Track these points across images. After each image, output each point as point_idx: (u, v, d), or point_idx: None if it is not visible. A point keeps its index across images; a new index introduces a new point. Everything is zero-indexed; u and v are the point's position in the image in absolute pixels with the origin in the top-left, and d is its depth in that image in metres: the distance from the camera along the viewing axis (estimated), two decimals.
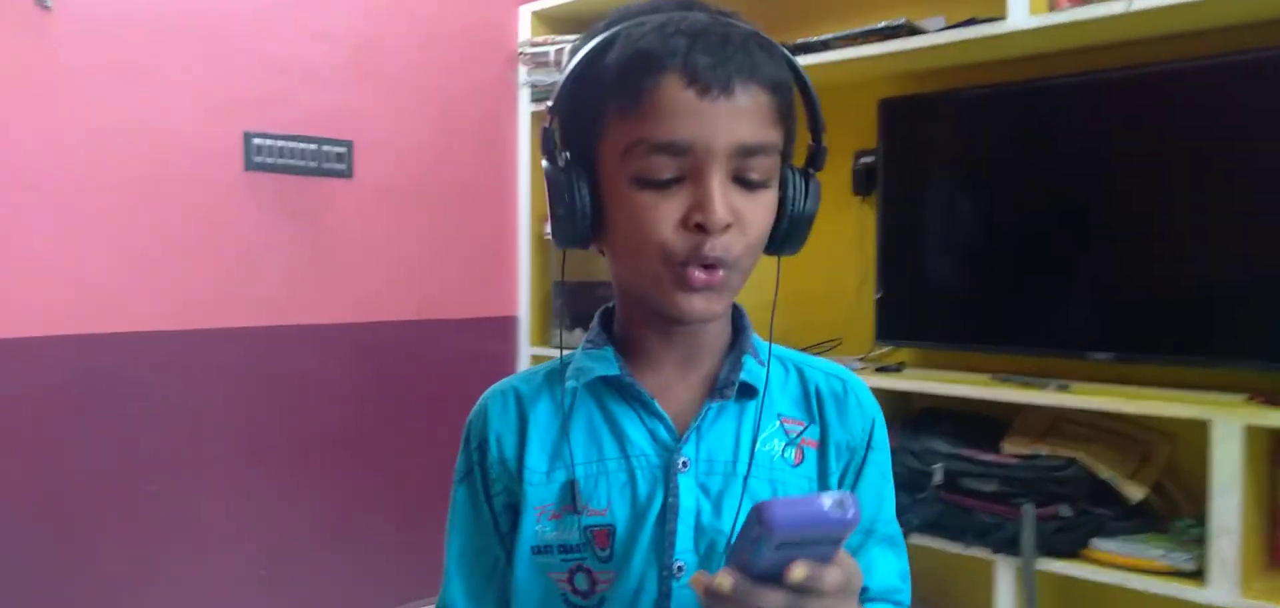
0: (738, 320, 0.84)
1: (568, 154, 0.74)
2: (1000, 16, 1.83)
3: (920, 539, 1.89)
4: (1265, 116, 1.68)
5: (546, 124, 0.75)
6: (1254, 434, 1.57)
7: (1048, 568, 1.75)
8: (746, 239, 0.72)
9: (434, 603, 0.88)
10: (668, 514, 0.76)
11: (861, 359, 2.18)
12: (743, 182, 0.71)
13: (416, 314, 2.51)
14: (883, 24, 2.02)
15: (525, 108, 2.70)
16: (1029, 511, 1.76)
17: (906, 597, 0.84)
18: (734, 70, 0.69)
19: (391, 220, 2.44)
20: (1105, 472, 1.75)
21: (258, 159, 2.18)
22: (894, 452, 2.01)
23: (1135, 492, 1.73)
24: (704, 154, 0.69)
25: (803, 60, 2.12)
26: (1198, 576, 1.62)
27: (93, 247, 1.98)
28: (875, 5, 2.24)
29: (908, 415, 2.08)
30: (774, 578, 0.59)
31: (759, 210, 0.73)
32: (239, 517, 2.21)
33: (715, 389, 0.79)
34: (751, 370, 0.80)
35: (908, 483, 1.94)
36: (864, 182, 2.26)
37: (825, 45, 2.12)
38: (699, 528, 0.76)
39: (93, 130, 1.97)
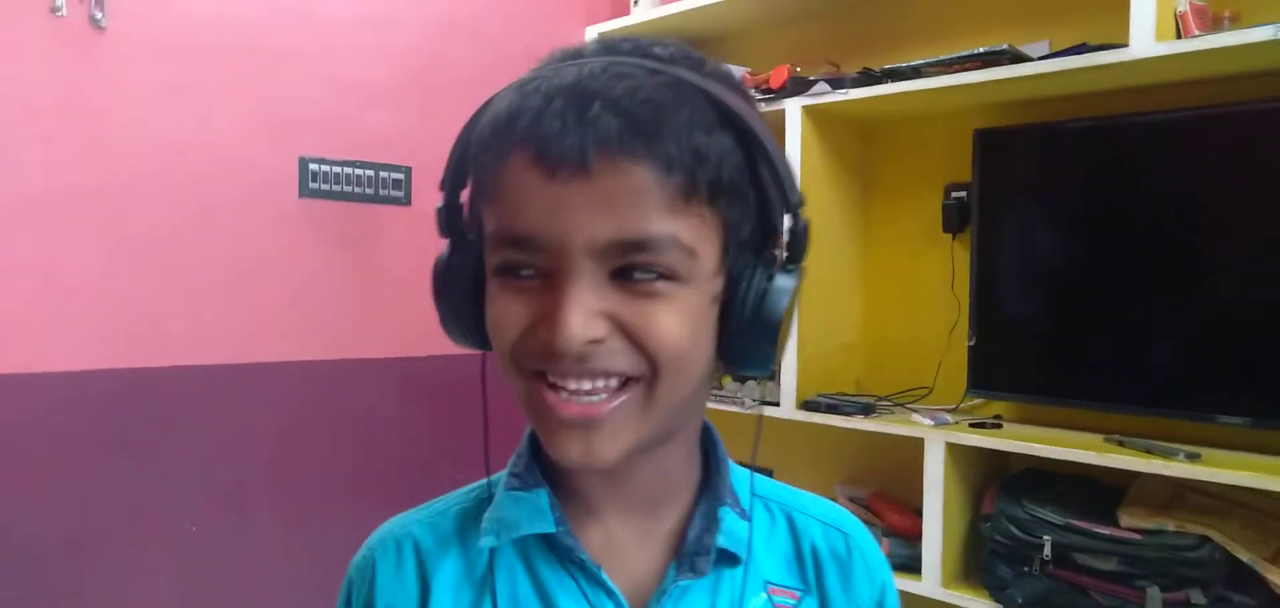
0: (708, 448, 0.66)
1: (453, 239, 0.62)
2: (1121, 43, 1.65)
3: None
4: None
5: (438, 205, 0.62)
6: None
7: None
8: (646, 354, 0.54)
9: None
10: None
11: (952, 411, 2.00)
12: (629, 283, 0.54)
13: (476, 348, 2.38)
14: (983, 50, 1.85)
15: None
16: (1155, 596, 1.57)
17: None
18: (593, 141, 0.51)
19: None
20: (1245, 554, 1.55)
21: (313, 186, 2.08)
22: (993, 517, 1.80)
23: None
24: (557, 248, 0.53)
25: (890, 88, 1.97)
26: None
27: (140, 275, 1.89)
28: (968, 27, 2.08)
29: (1006, 478, 1.89)
30: None
31: (660, 319, 0.54)
32: (289, 558, 2.10)
33: (683, 555, 0.62)
34: (731, 529, 0.62)
35: (1009, 554, 1.76)
36: (956, 218, 2.08)
37: (916, 72, 1.96)
38: None
39: (144, 153, 1.88)
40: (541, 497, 0.62)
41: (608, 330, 0.53)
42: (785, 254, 0.59)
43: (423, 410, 2.29)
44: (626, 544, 0.63)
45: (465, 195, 0.61)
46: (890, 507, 2.05)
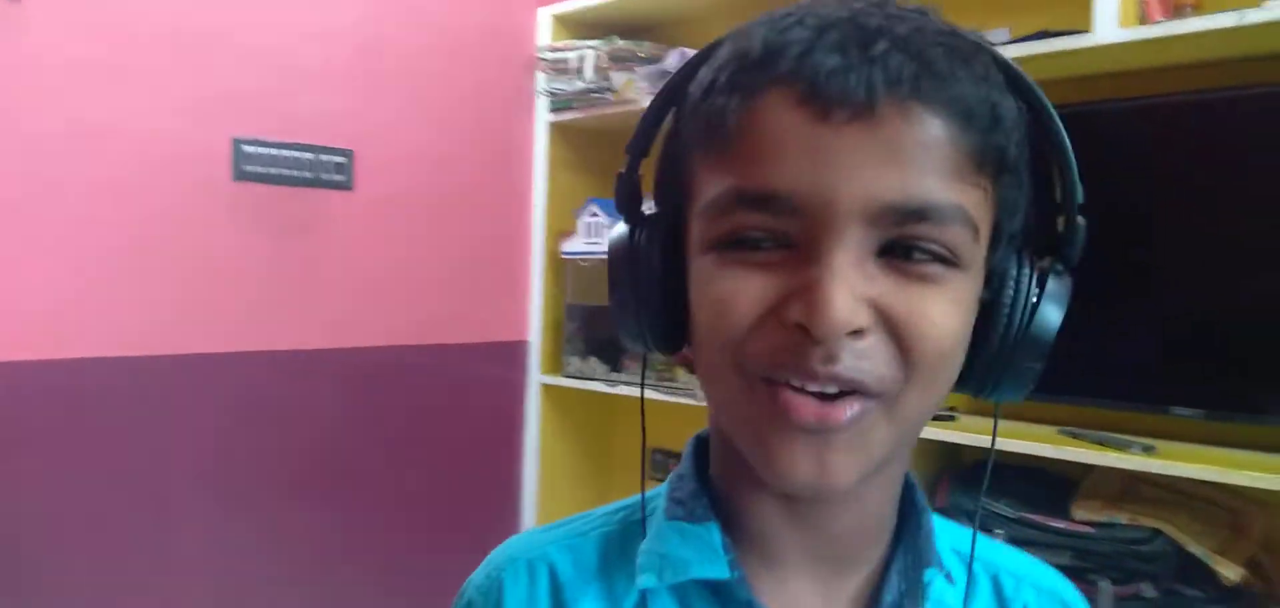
0: (908, 496, 0.56)
1: (642, 222, 0.52)
2: (1083, 29, 1.62)
3: None
4: None
5: (619, 172, 0.53)
6: None
7: None
8: (908, 355, 0.44)
9: None
10: None
11: None
12: (902, 262, 0.44)
13: (419, 339, 2.31)
14: None
15: (543, 117, 2.51)
16: (1107, 589, 1.56)
17: None
18: (883, 78, 0.42)
19: (394, 237, 2.24)
20: (1195, 546, 1.54)
21: (247, 168, 1.99)
22: (946, 510, 1.77)
23: (1231, 572, 1.51)
24: (821, 209, 0.43)
25: None
26: None
27: (63, 262, 1.79)
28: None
29: (959, 470, 1.87)
30: None
31: (932, 311, 0.45)
32: (219, 556, 2.01)
33: None
34: (940, 599, 0.53)
35: None
36: None
37: None
38: None
39: (64, 134, 1.78)
40: (713, 532, 0.52)
41: (871, 321, 0.44)
42: (1056, 261, 0.52)
43: (365, 404, 2.21)
44: (806, 597, 0.53)
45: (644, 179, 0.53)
46: None
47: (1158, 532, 1.57)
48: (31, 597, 1.78)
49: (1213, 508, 1.65)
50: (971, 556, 0.56)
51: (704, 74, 0.49)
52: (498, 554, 0.58)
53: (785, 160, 0.43)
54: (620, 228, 0.52)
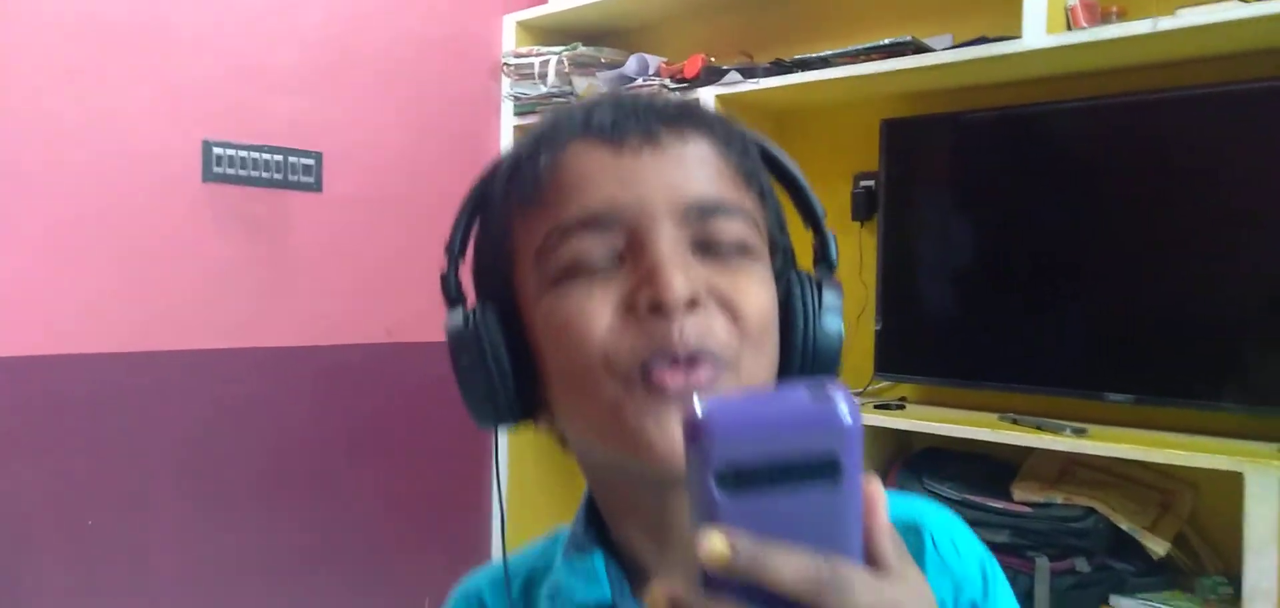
0: None
1: (470, 308, 0.57)
2: (1015, 35, 1.71)
3: None
4: None
5: (443, 272, 0.59)
6: None
7: None
8: (737, 325, 0.51)
9: None
10: None
11: (860, 394, 2.05)
12: (712, 255, 0.52)
13: (387, 338, 2.36)
14: (887, 41, 1.91)
15: (508, 121, 2.57)
16: (1043, 565, 1.64)
17: None
18: (657, 117, 0.53)
19: (362, 238, 2.29)
20: (1125, 523, 1.63)
21: (218, 170, 2.03)
22: (891, 494, 1.87)
23: (1158, 546, 1.61)
24: (637, 216, 0.51)
25: (801, 77, 2.01)
26: None
27: (34, 261, 1.82)
28: (877, 20, 2.13)
29: (909, 456, 1.95)
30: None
31: (748, 286, 0.52)
32: (191, 554, 2.04)
33: None
34: None
35: None
36: (864, 206, 2.14)
37: (824, 62, 2.00)
38: None
39: (34, 135, 1.81)
40: (597, 560, 0.57)
41: (705, 293, 0.50)
42: (823, 267, 0.59)
43: (334, 401, 2.26)
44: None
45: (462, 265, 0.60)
46: None
47: (1091, 510, 1.66)
48: (9, 592, 1.80)
49: (1144, 488, 1.74)
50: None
51: (504, 166, 0.57)
52: (453, 591, 0.67)
53: (597, 187, 0.52)
54: (454, 317, 0.57)
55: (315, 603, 2.22)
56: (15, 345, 1.80)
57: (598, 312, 0.50)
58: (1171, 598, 1.59)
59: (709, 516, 0.35)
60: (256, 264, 2.12)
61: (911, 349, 2.04)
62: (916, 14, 2.09)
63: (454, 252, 0.59)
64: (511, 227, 0.56)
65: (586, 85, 2.39)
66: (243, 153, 2.07)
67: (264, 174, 2.11)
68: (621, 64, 2.36)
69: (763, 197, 0.57)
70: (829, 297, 0.57)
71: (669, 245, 0.50)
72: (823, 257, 0.60)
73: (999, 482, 1.78)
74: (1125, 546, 1.65)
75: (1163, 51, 1.66)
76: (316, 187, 2.20)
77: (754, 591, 0.35)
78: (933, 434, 1.86)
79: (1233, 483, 1.47)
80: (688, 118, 0.54)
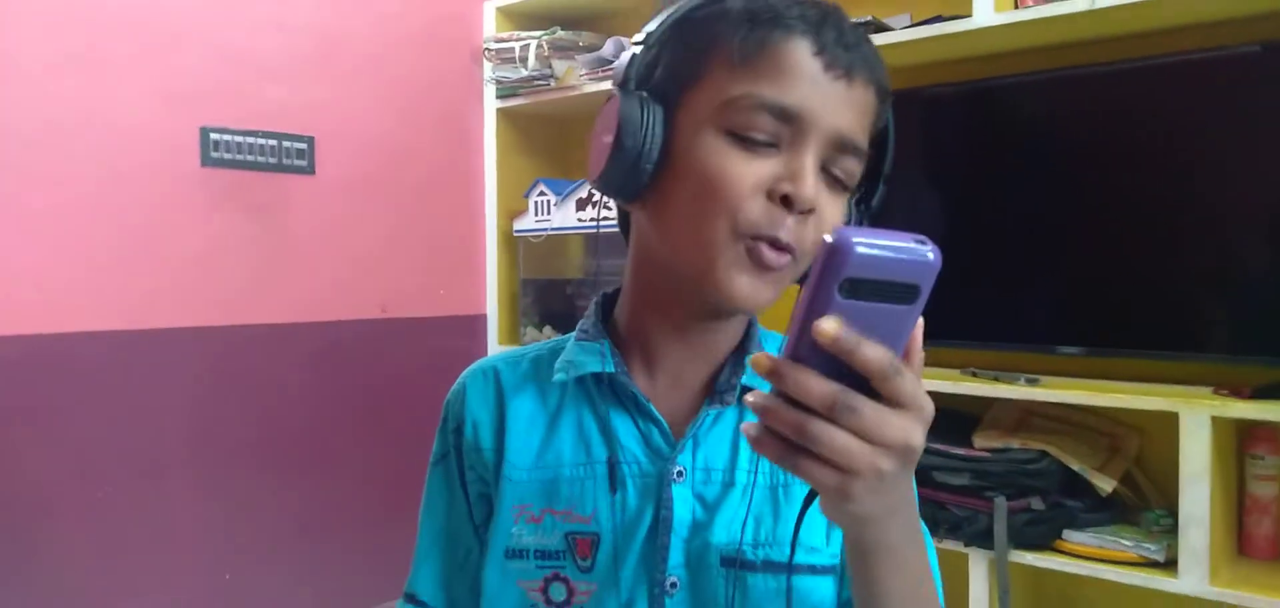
0: (750, 324, 0.77)
1: (644, 93, 0.68)
2: (966, 14, 1.83)
3: None
4: (1226, 114, 1.70)
5: (632, 51, 0.69)
6: (1221, 425, 1.59)
7: (1020, 560, 1.76)
8: (819, 234, 0.65)
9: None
10: (660, 527, 0.70)
11: None
12: (829, 175, 0.66)
13: (380, 313, 2.46)
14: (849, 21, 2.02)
15: (490, 103, 2.66)
16: (1001, 504, 1.77)
17: (941, 590, 0.72)
18: (859, 60, 0.66)
19: (354, 217, 2.39)
20: (1075, 464, 1.76)
21: (215, 154, 2.12)
22: None
23: (1105, 484, 1.74)
24: (810, 126, 0.64)
25: None
26: (1168, 566, 1.63)
27: (42, 244, 1.91)
28: (841, 2, 2.24)
29: None
30: (830, 367, 0.48)
31: (835, 211, 0.67)
32: (199, 520, 2.14)
33: (715, 393, 0.73)
34: (755, 376, 0.74)
35: None
36: None
37: None
38: (693, 539, 0.71)
39: (40, 123, 1.90)
40: (604, 346, 0.74)
41: (814, 206, 0.64)
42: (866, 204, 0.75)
43: (327, 374, 2.36)
44: (672, 387, 0.75)
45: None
46: None
47: (1044, 453, 1.79)
48: (24, 557, 1.90)
49: (1094, 433, 1.87)
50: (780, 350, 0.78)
51: (735, 6, 0.67)
52: (464, 373, 0.81)
53: (797, 88, 0.64)
54: (630, 101, 0.67)
55: (314, 569, 2.33)
56: (27, 324, 1.89)
57: (745, 180, 0.64)
58: (1118, 531, 1.73)
59: (826, 309, 0.47)
60: (254, 244, 2.21)
61: None
62: None
63: (650, 43, 0.69)
64: (711, 58, 0.66)
65: (566, 69, 2.49)
66: (239, 138, 2.16)
67: (259, 158, 2.20)
68: (599, 47, 2.46)
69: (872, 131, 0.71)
70: (858, 219, 0.75)
71: (814, 159, 0.64)
72: (866, 190, 0.75)
73: (961, 431, 1.91)
74: (1076, 485, 1.78)
75: (1102, 28, 1.78)
76: (310, 169, 2.29)
77: (831, 366, 0.48)
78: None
79: (1172, 424, 1.61)
80: (873, 71, 0.67)
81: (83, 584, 1.96)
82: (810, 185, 0.63)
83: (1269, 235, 1.68)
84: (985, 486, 1.82)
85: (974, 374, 1.92)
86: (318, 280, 2.33)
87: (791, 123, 0.64)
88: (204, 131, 2.10)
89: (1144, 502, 1.82)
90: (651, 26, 0.70)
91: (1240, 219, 1.72)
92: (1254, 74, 1.66)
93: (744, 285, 0.65)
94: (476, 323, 2.68)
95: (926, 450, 1.90)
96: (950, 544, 1.84)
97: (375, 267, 2.44)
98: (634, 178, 0.67)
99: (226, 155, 2.14)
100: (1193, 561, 1.58)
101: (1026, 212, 1.96)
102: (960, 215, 2.07)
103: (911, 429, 0.50)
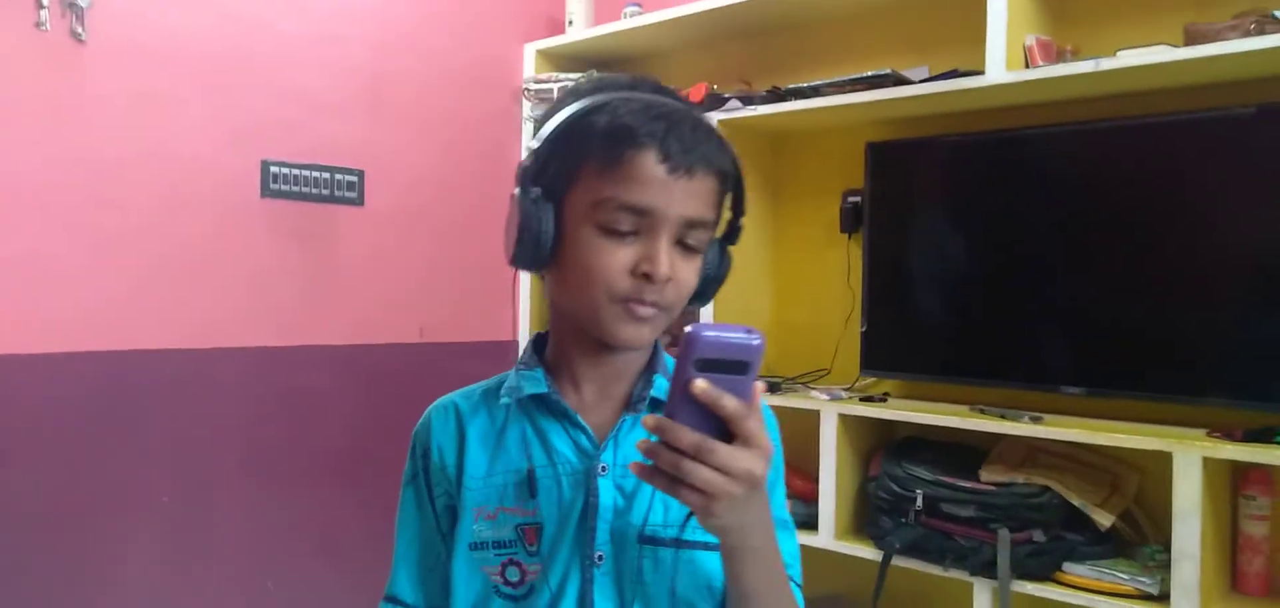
0: (654, 348, 0.95)
1: (537, 191, 0.85)
2: (979, 70, 1.95)
3: (902, 561, 1.99)
4: (1222, 172, 1.81)
5: (524, 162, 0.86)
6: (1213, 466, 1.68)
7: (1022, 590, 1.85)
8: (678, 292, 0.85)
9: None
10: (588, 513, 0.87)
11: (847, 389, 2.28)
12: (683, 246, 0.84)
13: (419, 338, 2.60)
14: (870, 74, 2.14)
15: (528, 141, 2.80)
16: (1005, 536, 1.86)
17: (798, 574, 0.92)
18: (697, 158, 0.82)
19: (398, 247, 2.54)
20: (1077, 500, 1.85)
21: (274, 186, 2.28)
22: (878, 478, 2.11)
23: (1104, 519, 1.83)
24: (660, 219, 0.82)
25: (795, 105, 2.26)
26: (1162, 599, 1.71)
27: (118, 266, 2.07)
28: (863, 53, 2.37)
29: (891, 444, 2.17)
30: (698, 421, 0.69)
31: (690, 273, 0.86)
32: (249, 527, 2.29)
33: (630, 403, 0.91)
34: (661, 386, 0.91)
35: (891, 507, 2.04)
36: (851, 220, 2.37)
37: (815, 91, 2.23)
38: (615, 521, 0.87)
39: (120, 155, 2.06)
40: (539, 373, 0.92)
41: (671, 273, 0.83)
42: (728, 242, 0.94)
43: (370, 393, 2.50)
44: (595, 402, 0.92)
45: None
46: (793, 474, 2.32)
47: (1047, 488, 1.88)
48: (92, 557, 2.05)
49: (1096, 471, 1.96)
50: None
51: (602, 122, 0.83)
52: (428, 409, 0.97)
53: (649, 189, 0.81)
54: (526, 195, 0.84)
55: (358, 577, 2.45)
56: (100, 341, 2.05)
57: (613, 266, 0.82)
58: (1115, 565, 1.81)
59: (689, 379, 0.69)
60: (305, 271, 2.37)
61: (894, 349, 2.27)
62: (897, 48, 2.32)
63: (538, 153, 0.85)
64: (583, 165, 0.84)
65: None
66: (295, 171, 2.32)
67: (313, 190, 2.35)
68: None
69: (722, 202, 0.89)
70: (725, 259, 0.94)
71: (667, 242, 0.83)
72: (728, 236, 0.94)
73: (969, 466, 2.00)
74: (1077, 520, 1.87)
75: (1108, 86, 1.89)
76: (359, 201, 2.45)
77: (697, 421, 0.68)
78: (912, 423, 2.08)
79: (1169, 464, 1.70)
80: (711, 163, 0.84)
81: (142, 580, 2.11)
82: (664, 265, 0.81)
83: (1263, 288, 1.78)
84: (990, 518, 1.91)
85: (981, 411, 2.02)
86: (363, 305, 2.48)
87: (646, 216, 0.82)
88: (264, 164, 2.27)
89: (1142, 537, 1.90)
90: (537, 139, 0.86)
91: (1238, 271, 1.81)
92: (1248, 135, 1.77)
93: (625, 332, 0.84)
94: (508, 349, 2.82)
95: (937, 483, 2.02)
96: (956, 573, 1.93)
97: (416, 293, 2.59)
98: (536, 258, 0.86)
99: (284, 187, 2.30)
100: (1184, 595, 1.67)
101: (1033, 258, 2.07)
102: (973, 259, 2.18)
103: (755, 463, 0.69)
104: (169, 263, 2.14)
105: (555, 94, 2.69)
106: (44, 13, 1.93)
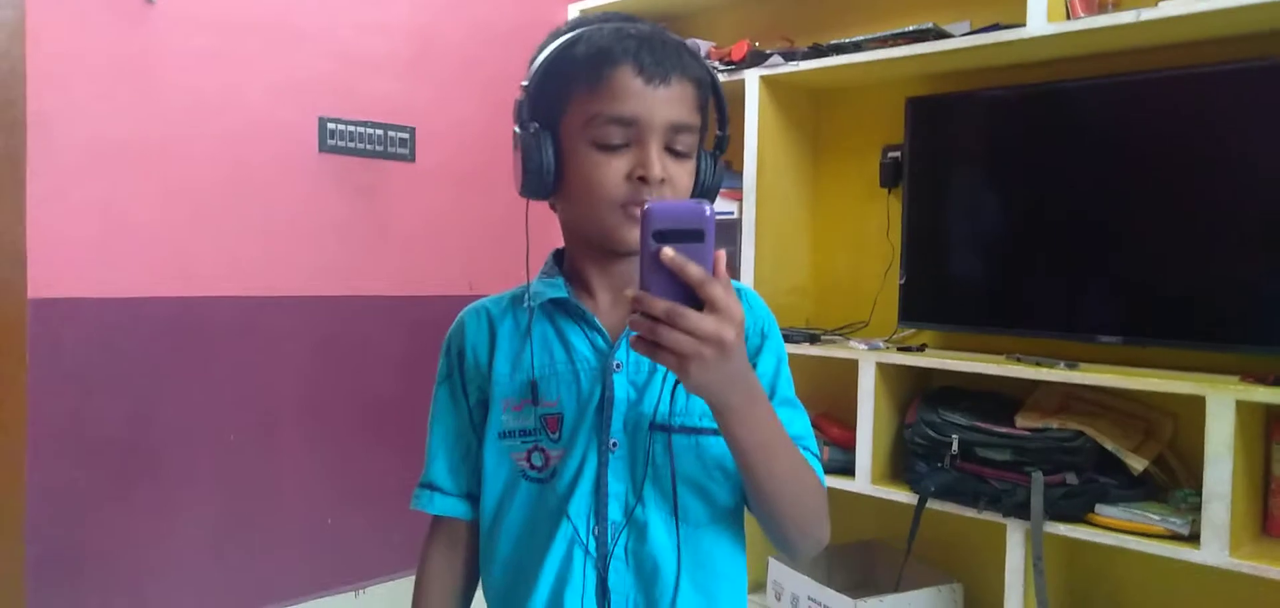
0: None
1: (535, 125, 0.93)
2: (1021, 23, 1.97)
3: (937, 504, 2.05)
4: (1259, 121, 1.82)
5: (519, 99, 0.94)
6: (1245, 409, 1.71)
7: (1055, 531, 1.90)
8: (675, 192, 0.93)
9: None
10: (604, 404, 0.95)
11: (886, 340, 2.34)
12: (672, 151, 0.92)
13: (468, 290, 2.69)
14: (911, 28, 2.17)
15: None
16: (1038, 478, 1.91)
17: (815, 445, 0.98)
18: (670, 66, 0.91)
19: (448, 202, 2.63)
20: (1110, 444, 1.89)
21: (331, 142, 2.37)
22: (914, 425, 2.16)
23: (1137, 463, 1.87)
24: (646, 126, 0.90)
25: (836, 60, 2.29)
26: (1192, 539, 1.75)
27: (184, 217, 2.18)
28: (904, 8, 2.39)
29: (928, 392, 2.22)
30: (669, 297, 0.75)
31: (683, 174, 0.94)
32: (308, 467, 2.41)
33: None
34: None
35: (926, 452, 2.10)
36: (891, 175, 2.40)
37: (857, 47, 2.27)
38: (629, 412, 0.95)
39: (187, 112, 2.17)
40: (559, 281, 1.00)
41: (664, 174, 0.90)
42: (718, 151, 1.01)
43: (422, 343, 2.59)
44: (610, 306, 1.00)
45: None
46: (831, 424, 2.38)
47: (1081, 433, 1.92)
48: (166, 490, 2.18)
49: (1130, 417, 2.00)
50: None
51: (581, 51, 0.91)
52: (461, 313, 1.06)
53: (631, 102, 0.89)
54: (527, 131, 0.93)
55: (405, 515, 2.57)
56: (166, 287, 2.16)
57: (610, 176, 0.90)
58: (1147, 507, 1.85)
59: (650, 249, 0.75)
60: (360, 223, 2.46)
61: (932, 300, 2.31)
62: (938, 2, 2.35)
63: (529, 89, 0.94)
64: (571, 92, 0.92)
65: None
66: (350, 128, 2.41)
67: (367, 146, 2.44)
68: None
69: (705, 110, 0.97)
70: (718, 165, 1.01)
71: (656, 147, 0.91)
72: (719, 145, 1.01)
73: (1004, 413, 2.05)
74: (1111, 464, 1.91)
75: (1149, 37, 1.91)
76: (410, 157, 2.53)
77: (667, 290, 0.74)
78: (949, 372, 2.13)
79: (1201, 408, 1.73)
80: (685, 70, 0.92)
81: (207, 517, 2.23)
82: (656, 167, 0.89)
83: None
84: (1025, 462, 1.96)
85: (1017, 360, 2.06)
86: (414, 257, 2.57)
87: (633, 127, 0.90)
88: (321, 121, 2.36)
89: (1175, 482, 1.94)
90: (528, 78, 0.95)
91: (1274, 220, 1.83)
92: None
93: (630, 234, 0.91)
94: None
95: (972, 428, 2.07)
96: (990, 515, 1.98)
97: (465, 246, 2.68)
98: (542, 186, 0.94)
99: (340, 143, 2.39)
100: (1214, 534, 1.71)
101: (1070, 210, 2.09)
102: (1011, 212, 2.21)
103: (721, 327, 0.75)
104: (231, 214, 2.25)
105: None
106: None
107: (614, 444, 0.95)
